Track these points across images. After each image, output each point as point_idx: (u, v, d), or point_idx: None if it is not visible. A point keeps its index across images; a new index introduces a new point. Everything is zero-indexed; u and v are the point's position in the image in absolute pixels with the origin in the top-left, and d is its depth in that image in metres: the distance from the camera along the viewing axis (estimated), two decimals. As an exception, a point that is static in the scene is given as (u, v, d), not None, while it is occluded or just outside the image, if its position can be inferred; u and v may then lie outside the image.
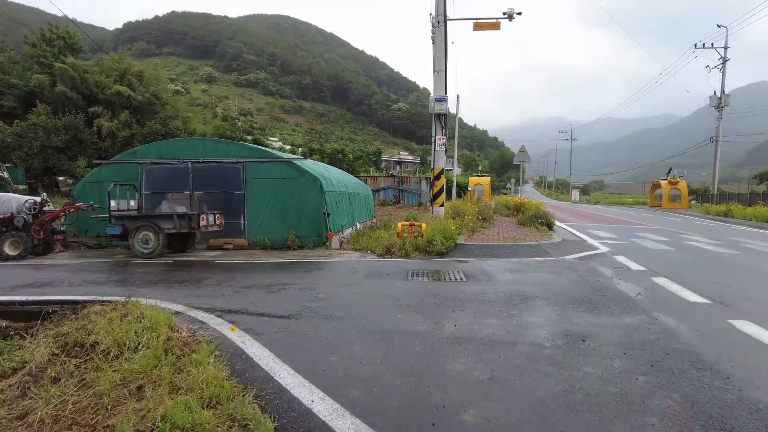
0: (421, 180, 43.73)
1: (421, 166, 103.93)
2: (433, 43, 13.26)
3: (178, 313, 5.89)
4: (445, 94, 12.99)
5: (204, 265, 9.75)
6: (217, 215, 11.64)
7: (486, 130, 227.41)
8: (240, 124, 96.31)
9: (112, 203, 11.11)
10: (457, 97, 46.29)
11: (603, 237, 14.71)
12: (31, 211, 11.46)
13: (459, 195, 47.21)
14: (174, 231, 10.84)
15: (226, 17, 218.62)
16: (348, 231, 14.78)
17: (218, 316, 5.81)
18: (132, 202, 12.04)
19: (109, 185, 11.51)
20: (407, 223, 12.38)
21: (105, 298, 6.59)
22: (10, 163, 27.35)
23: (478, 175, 53.63)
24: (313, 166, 14.34)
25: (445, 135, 13.13)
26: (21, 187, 31.52)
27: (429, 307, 6.07)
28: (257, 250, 12.26)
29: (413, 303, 6.29)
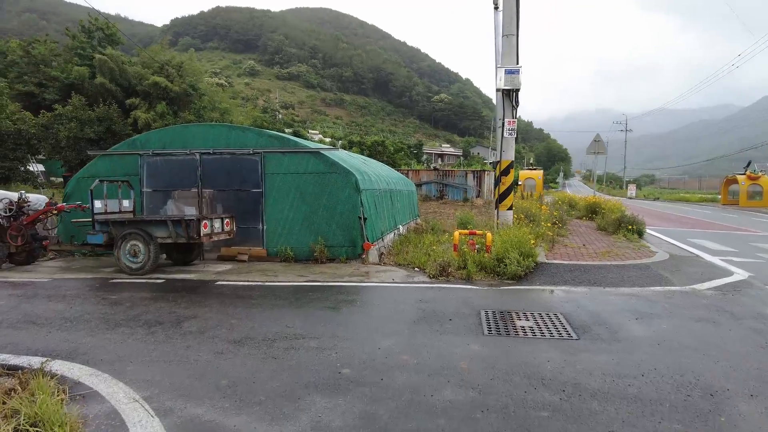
0: (467, 173, 40.63)
1: (464, 158, 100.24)
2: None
3: (101, 397, 3.42)
4: (518, 63, 10.06)
5: (199, 291, 7.32)
6: (226, 220, 9.24)
7: (531, 122, 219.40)
8: (280, 116, 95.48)
9: (97, 204, 8.88)
10: (496, 91, 42.73)
11: (716, 250, 11.41)
12: (6, 213, 9.42)
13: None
14: (169, 241, 8.50)
15: (268, 11, 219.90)
16: (389, 237, 12.13)
17: (164, 414, 3.29)
18: (126, 203, 9.82)
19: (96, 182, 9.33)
20: (466, 231, 9.59)
21: (13, 362, 4.22)
22: (39, 155, 26.24)
23: (530, 169, 49.75)
24: (347, 158, 11.74)
25: (516, 117, 10.21)
26: (59, 180, 30.69)
27: (542, 424, 3.31)
28: (277, 263, 9.80)
29: (509, 406, 3.53)
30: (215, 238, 8.85)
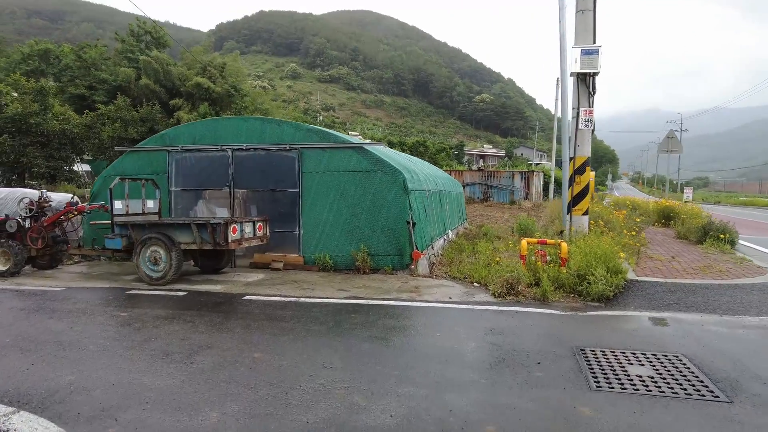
0: (514, 174, 38.73)
1: (507, 159, 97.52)
2: (573, -28, 8.88)
3: None
4: (595, 42, 8.53)
5: (222, 309, 6.24)
6: (258, 224, 8.18)
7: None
8: (321, 118, 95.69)
9: (117, 205, 7.99)
10: (557, 80, 40.60)
11: (835, 265, 9.45)
12: (27, 213, 8.71)
13: (556, 191, 41.67)
14: (194, 247, 7.50)
15: (310, 14, 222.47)
16: (438, 243, 10.81)
17: None
18: (150, 203, 8.93)
19: (117, 180, 8.48)
20: (534, 240, 8.15)
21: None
22: (85, 155, 26.38)
23: (579, 170, 47.11)
24: (393, 155, 10.51)
25: (593, 105, 8.67)
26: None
27: None
28: (314, 273, 8.67)
29: None
30: (245, 245, 7.79)
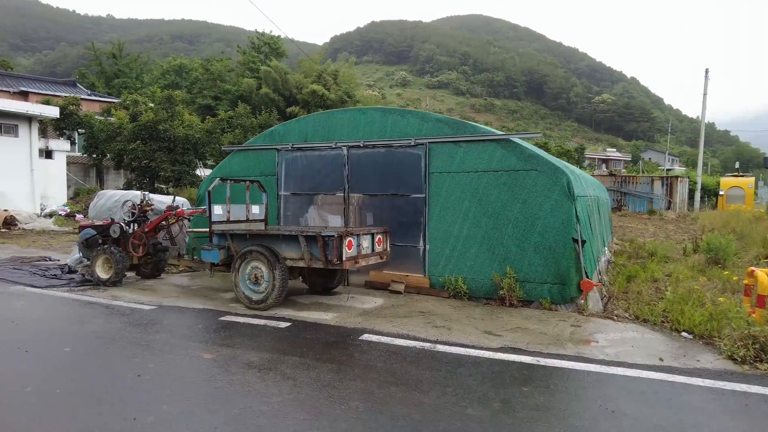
0: (653, 180, 33.75)
1: (633, 164, 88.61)
2: None
3: None
4: None
5: (334, 355, 4.60)
6: (377, 237, 6.52)
7: (713, 122, 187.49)
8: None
9: (216, 210, 6.81)
10: (706, 71, 34.93)
11: None
12: (130, 217, 7.96)
13: (702, 200, 35.67)
14: (302, 264, 6.01)
15: (420, 21, 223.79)
16: (602, 266, 8.37)
17: None
18: (255, 209, 7.70)
19: (224, 184, 7.33)
20: (777, 272, 5.48)
21: None
22: (208, 160, 27.40)
23: (734, 175, 39.98)
24: (543, 153, 8.30)
25: None
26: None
27: None
28: (444, 301, 6.79)
29: None
30: (362, 263, 6.14)
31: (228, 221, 6.98)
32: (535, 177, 6.65)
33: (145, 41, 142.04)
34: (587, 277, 6.33)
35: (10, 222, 15.84)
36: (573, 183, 6.61)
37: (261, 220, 7.71)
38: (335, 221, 8.35)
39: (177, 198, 8.61)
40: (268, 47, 48.76)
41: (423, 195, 7.44)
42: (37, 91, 28.43)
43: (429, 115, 7.67)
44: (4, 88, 27.64)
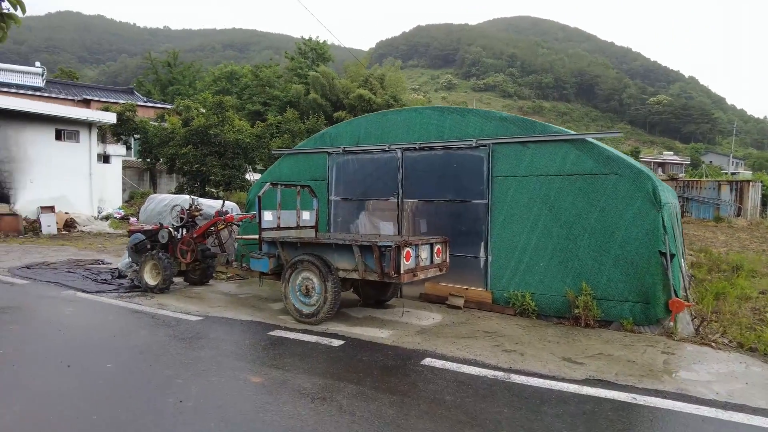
0: (719, 185, 31.44)
1: (692, 168, 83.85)
2: None
3: None
4: None
5: (392, 383, 4.09)
6: (436, 246, 5.97)
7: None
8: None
9: (266, 216, 6.46)
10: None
11: None
12: (178, 222, 7.77)
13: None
14: (355, 276, 5.55)
15: (466, 25, 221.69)
16: (683, 283, 7.45)
17: None
18: (306, 215, 7.32)
19: (274, 189, 6.99)
20: None
21: None
22: (254, 164, 27.71)
23: (814, 180, 36.62)
24: (623, 155, 7.50)
25: None
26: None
27: None
28: (510, 319, 6.15)
29: None
30: (421, 276, 5.60)
31: (278, 228, 6.62)
32: (615, 182, 5.91)
33: (198, 50, 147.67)
34: (676, 295, 5.53)
35: (70, 224, 16.35)
36: (659, 189, 5.83)
37: (312, 227, 7.32)
38: (387, 228, 7.86)
39: (226, 203, 8.38)
40: (315, 53, 49.21)
41: (485, 201, 6.83)
42: (98, 98, 29.68)
43: (492, 114, 7.06)
44: (69, 97, 29.02)
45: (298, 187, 7.21)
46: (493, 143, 6.78)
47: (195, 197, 8.16)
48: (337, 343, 4.99)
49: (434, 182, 7.31)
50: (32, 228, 15.36)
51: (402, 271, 5.17)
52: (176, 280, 7.83)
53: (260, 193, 6.31)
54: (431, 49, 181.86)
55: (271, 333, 5.33)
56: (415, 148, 7.40)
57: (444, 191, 7.24)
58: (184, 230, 7.77)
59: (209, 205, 8.40)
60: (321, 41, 50.24)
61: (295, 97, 43.48)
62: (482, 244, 6.87)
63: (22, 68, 29.58)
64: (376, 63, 58.17)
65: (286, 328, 5.50)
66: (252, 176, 28.92)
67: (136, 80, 52.33)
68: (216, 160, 22.38)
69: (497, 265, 6.72)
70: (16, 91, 26.30)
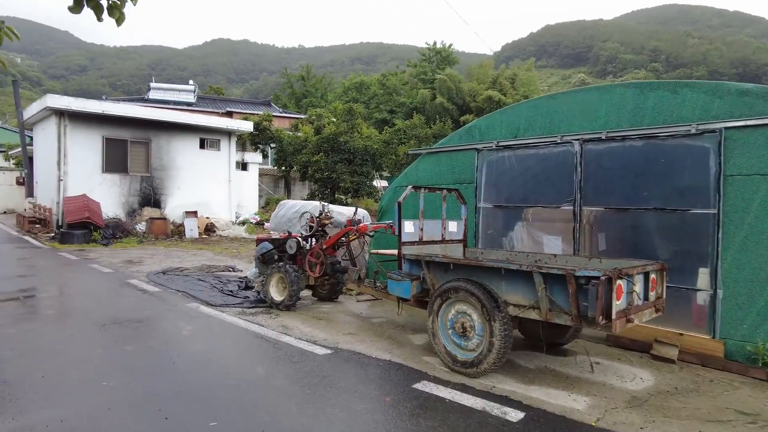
0: None
1: None
2: None
3: None
4: None
5: None
6: (651, 276, 4.12)
7: None
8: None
9: (407, 227, 5.12)
10: None
11: None
12: (307, 231, 6.84)
13: None
14: (535, 317, 3.95)
15: (600, 20, 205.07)
16: None
17: None
18: (453, 225, 5.87)
19: (418, 192, 5.68)
20: None
21: None
22: (381, 170, 27.24)
23: None
24: None
25: None
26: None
27: None
28: (763, 386, 4.07)
29: None
30: (636, 321, 3.81)
31: (421, 242, 5.27)
32: None
33: (328, 66, 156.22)
34: None
35: (209, 228, 16.98)
36: None
37: (459, 241, 5.86)
38: (553, 244, 6.11)
39: (359, 210, 7.30)
40: (440, 56, 48.16)
41: (712, 210, 4.78)
42: (238, 110, 31.75)
43: (724, 86, 4.95)
44: (215, 110, 31.45)
45: (444, 192, 5.80)
46: (726, 128, 4.72)
47: (325, 203, 7.19)
48: (514, 415, 3.43)
49: (629, 184, 5.41)
50: (178, 231, 16.13)
51: (614, 316, 3.45)
52: (304, 293, 6.92)
53: (401, 199, 5.00)
54: (561, 48, 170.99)
55: (417, 386, 3.95)
56: (600, 139, 5.57)
57: (644, 196, 5.30)
58: (314, 240, 6.83)
59: (340, 213, 7.40)
60: (445, 45, 49.07)
61: (420, 102, 42.83)
62: (707, 271, 4.81)
63: (178, 87, 32.80)
64: (503, 64, 55.53)
65: (435, 380, 4.08)
66: (378, 183, 28.49)
67: (273, 94, 56.02)
68: (345, 167, 22.19)
69: (733, 304, 4.62)
70: (172, 107, 29.13)
